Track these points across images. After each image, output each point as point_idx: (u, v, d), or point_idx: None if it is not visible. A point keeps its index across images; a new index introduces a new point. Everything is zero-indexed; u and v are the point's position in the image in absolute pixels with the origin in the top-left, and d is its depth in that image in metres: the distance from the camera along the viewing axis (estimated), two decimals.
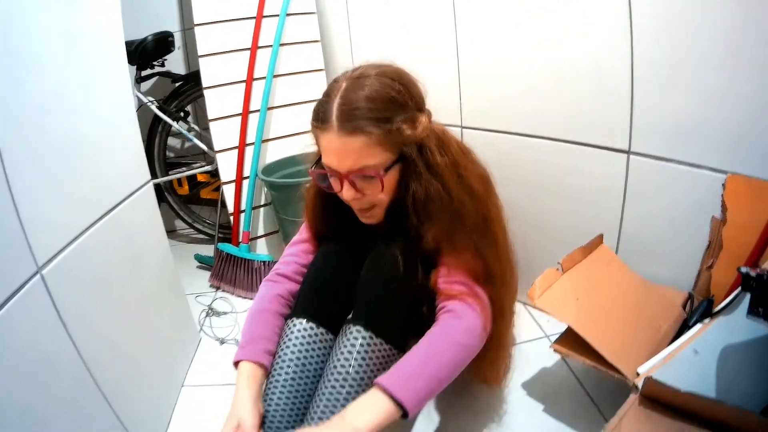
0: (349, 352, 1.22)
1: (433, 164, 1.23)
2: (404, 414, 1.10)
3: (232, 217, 2.45)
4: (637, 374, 1.20)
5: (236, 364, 1.30)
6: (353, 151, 1.17)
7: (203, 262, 2.69)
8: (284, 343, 1.31)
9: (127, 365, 1.44)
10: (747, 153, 1.36)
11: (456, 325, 1.20)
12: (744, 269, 0.99)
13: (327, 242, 1.47)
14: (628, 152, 1.59)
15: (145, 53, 2.57)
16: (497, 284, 1.32)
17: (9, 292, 0.99)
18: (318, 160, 1.29)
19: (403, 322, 1.27)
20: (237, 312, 2.25)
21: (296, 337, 1.30)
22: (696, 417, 1.07)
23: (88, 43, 1.42)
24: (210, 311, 2.23)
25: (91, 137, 1.39)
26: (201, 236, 2.99)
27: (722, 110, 1.37)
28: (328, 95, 1.22)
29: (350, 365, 1.21)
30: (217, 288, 2.45)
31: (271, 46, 2.33)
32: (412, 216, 1.26)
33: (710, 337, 1.22)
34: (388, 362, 1.22)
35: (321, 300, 1.35)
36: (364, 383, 1.20)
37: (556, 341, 1.44)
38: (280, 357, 1.29)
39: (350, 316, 1.30)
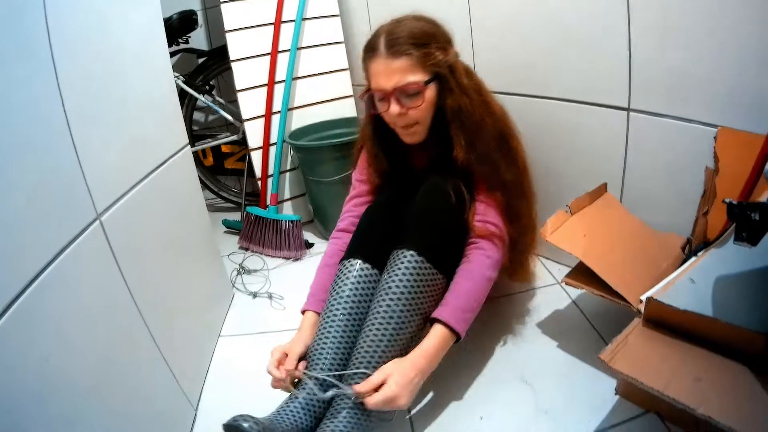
0: (404, 274, 1.35)
1: (461, 84, 1.44)
2: (457, 339, 1.35)
3: (259, 182, 2.55)
4: (640, 301, 1.31)
5: (303, 312, 1.52)
6: (397, 71, 1.37)
7: (231, 227, 2.78)
8: (341, 281, 1.44)
9: (172, 314, 1.53)
10: (735, 108, 1.43)
11: (487, 263, 1.42)
12: (727, 200, 1.07)
13: (378, 195, 1.62)
14: (628, 109, 1.67)
15: (170, 31, 2.64)
16: (524, 197, 1.56)
17: (74, 234, 1.07)
18: (368, 91, 1.48)
19: (449, 250, 1.42)
20: (269, 269, 2.36)
21: (353, 276, 1.43)
22: (697, 337, 1.16)
23: (136, 17, 1.53)
24: (242, 269, 2.34)
25: (139, 101, 1.49)
26: (227, 205, 3.07)
27: (712, 69, 1.45)
28: (376, 33, 1.44)
29: (404, 286, 1.34)
30: (246, 249, 2.54)
31: (293, 20, 2.42)
32: (449, 129, 1.46)
33: (705, 268, 1.30)
34: (435, 286, 1.38)
35: (373, 243, 1.48)
36: (414, 303, 1.34)
37: (567, 276, 1.54)
38: (337, 293, 1.42)
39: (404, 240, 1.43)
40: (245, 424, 1.16)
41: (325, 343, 1.37)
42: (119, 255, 1.23)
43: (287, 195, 2.69)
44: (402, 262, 1.36)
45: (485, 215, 1.46)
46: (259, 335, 1.90)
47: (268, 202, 2.51)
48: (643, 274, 1.45)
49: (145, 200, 1.42)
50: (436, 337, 1.31)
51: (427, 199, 1.44)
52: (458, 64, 1.47)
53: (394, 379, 1.22)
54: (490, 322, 1.81)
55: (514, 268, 1.67)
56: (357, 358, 1.32)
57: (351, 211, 1.67)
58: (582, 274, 1.50)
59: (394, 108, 1.41)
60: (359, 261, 1.46)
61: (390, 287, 1.35)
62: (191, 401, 1.54)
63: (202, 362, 1.74)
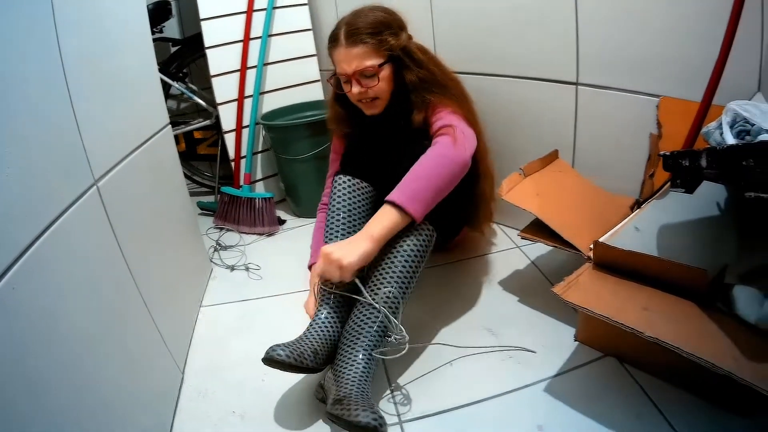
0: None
1: (417, 60, 1.64)
2: (412, 220, 1.42)
3: (232, 164, 2.61)
4: (590, 249, 1.42)
5: (310, 267, 1.75)
6: (356, 57, 1.57)
7: (205, 208, 2.82)
8: (333, 195, 1.64)
9: (160, 280, 1.58)
10: (675, 79, 1.56)
11: (437, 146, 1.50)
12: (662, 153, 1.19)
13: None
14: (576, 84, 1.80)
15: None
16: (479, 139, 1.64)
17: (73, 198, 1.11)
18: (334, 75, 1.69)
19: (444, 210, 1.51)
20: (245, 244, 2.43)
21: (343, 189, 1.63)
22: (644, 277, 1.27)
23: (125, 7, 1.62)
24: (219, 246, 2.40)
25: (128, 81, 1.57)
26: (200, 189, 3.09)
27: (654, 44, 1.57)
28: (337, 26, 1.62)
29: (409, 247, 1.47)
30: (221, 228, 2.59)
31: (265, 9, 2.51)
32: (413, 99, 1.64)
33: (648, 217, 1.42)
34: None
35: (358, 161, 1.68)
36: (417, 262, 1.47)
37: (522, 230, 1.65)
38: (332, 206, 1.62)
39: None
40: (281, 354, 1.35)
41: (332, 241, 1.57)
42: (113, 220, 1.29)
43: (259, 175, 2.76)
44: None
45: (438, 123, 1.59)
46: (238, 303, 1.98)
47: (242, 182, 2.58)
48: (592, 227, 1.55)
49: (134, 172, 1.49)
50: (379, 213, 1.43)
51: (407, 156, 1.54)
52: (411, 45, 1.66)
53: (329, 248, 1.38)
54: (455, 281, 1.93)
55: (475, 216, 1.83)
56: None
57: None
58: (536, 229, 1.61)
59: (356, 88, 1.61)
60: (346, 176, 1.64)
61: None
62: (178, 364, 1.59)
63: (187, 328, 1.79)
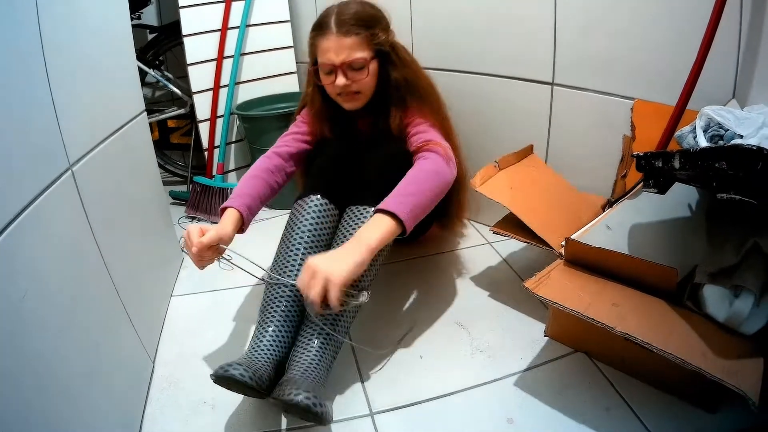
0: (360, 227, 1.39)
1: (403, 59, 1.64)
2: (403, 231, 1.34)
3: (205, 153, 2.59)
4: (561, 245, 1.42)
5: (222, 210, 1.55)
6: (346, 48, 1.51)
7: (177, 198, 2.78)
8: (302, 215, 1.52)
9: (131, 268, 1.56)
10: (650, 82, 1.58)
11: (427, 162, 1.46)
12: (635, 153, 1.21)
13: (328, 139, 1.70)
14: (552, 84, 1.82)
15: None
16: (452, 146, 1.61)
17: (48, 181, 1.09)
18: (314, 63, 1.61)
19: None
20: None
21: (312, 210, 1.52)
22: (614, 274, 1.29)
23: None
24: None
25: (107, 67, 1.54)
26: (172, 178, 3.05)
27: (630, 48, 1.59)
28: (325, 14, 1.56)
29: None
30: (193, 218, 2.56)
31: None
32: (393, 99, 1.62)
33: (619, 216, 1.44)
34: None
35: (329, 181, 1.57)
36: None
37: (494, 225, 1.66)
38: (298, 227, 1.51)
39: (356, 198, 1.52)
40: (236, 372, 1.23)
41: (291, 271, 1.46)
42: (87, 206, 1.27)
43: (232, 166, 2.74)
44: (357, 217, 1.46)
45: (422, 136, 1.56)
46: (209, 293, 1.96)
47: (215, 172, 2.56)
48: (564, 224, 1.56)
49: (109, 158, 1.46)
50: (371, 221, 1.35)
51: (384, 162, 1.55)
52: (397, 43, 1.65)
53: (317, 261, 1.25)
54: (426, 276, 1.93)
55: (447, 216, 1.83)
56: None
57: (288, 143, 1.72)
58: (508, 224, 1.63)
59: (341, 80, 1.55)
60: (318, 196, 1.54)
61: (347, 238, 1.40)
62: (149, 354, 1.57)
63: (158, 318, 1.77)
